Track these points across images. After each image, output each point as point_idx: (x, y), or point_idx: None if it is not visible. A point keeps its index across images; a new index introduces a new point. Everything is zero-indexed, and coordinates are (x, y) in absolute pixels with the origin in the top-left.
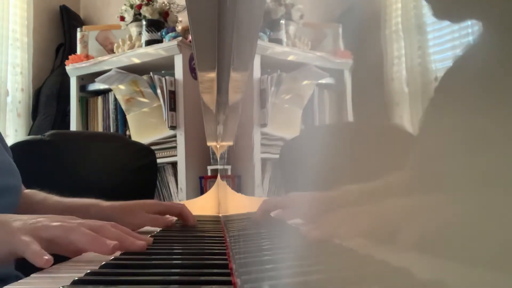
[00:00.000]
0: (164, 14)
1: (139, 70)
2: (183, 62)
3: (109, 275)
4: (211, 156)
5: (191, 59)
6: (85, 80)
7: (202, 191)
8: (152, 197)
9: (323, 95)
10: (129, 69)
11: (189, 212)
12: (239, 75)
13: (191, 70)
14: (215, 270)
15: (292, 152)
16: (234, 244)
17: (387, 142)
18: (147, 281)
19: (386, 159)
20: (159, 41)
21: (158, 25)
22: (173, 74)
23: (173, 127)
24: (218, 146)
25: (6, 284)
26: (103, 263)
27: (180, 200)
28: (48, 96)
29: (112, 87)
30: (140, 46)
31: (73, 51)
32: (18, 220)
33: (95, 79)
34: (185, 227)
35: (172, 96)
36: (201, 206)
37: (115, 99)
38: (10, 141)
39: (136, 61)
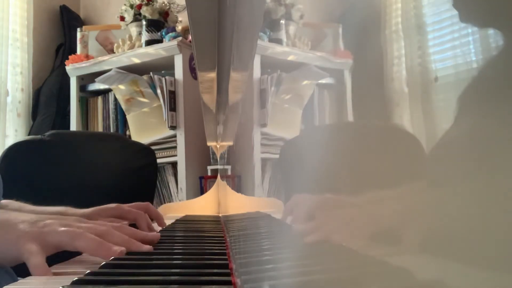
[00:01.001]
0: (164, 14)
1: (139, 70)
2: (183, 62)
3: (109, 275)
4: (211, 156)
5: (191, 59)
6: (85, 80)
7: (202, 191)
8: (152, 197)
9: (323, 95)
10: (129, 69)
11: (144, 223)
12: (239, 75)
13: (191, 70)
14: (215, 270)
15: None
16: (234, 244)
17: (387, 142)
18: (147, 281)
19: (386, 159)
20: (159, 41)
21: (158, 25)
22: (173, 74)
23: (173, 127)
24: (218, 146)
25: None
26: (103, 263)
27: (180, 200)
28: (48, 96)
29: (112, 87)
30: (140, 46)
31: (73, 51)
32: (25, 222)
33: (95, 79)
34: (185, 227)
35: (172, 96)
36: (201, 206)
37: (115, 99)
38: (10, 141)
39: (136, 61)
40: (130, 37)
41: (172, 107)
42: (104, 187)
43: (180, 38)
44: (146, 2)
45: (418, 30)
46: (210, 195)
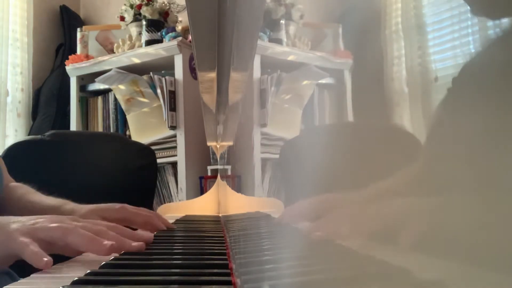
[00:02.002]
0: (164, 14)
1: (139, 70)
2: (183, 62)
3: (109, 275)
4: (211, 156)
5: (191, 59)
6: (85, 80)
7: (202, 191)
8: (152, 197)
9: (323, 95)
10: (129, 69)
11: (159, 221)
12: (239, 75)
13: (191, 70)
14: (215, 270)
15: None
16: (234, 244)
17: (387, 142)
18: (147, 281)
19: (386, 159)
20: (159, 41)
21: (158, 25)
22: (173, 74)
23: (173, 127)
24: (218, 146)
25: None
26: (103, 263)
27: (180, 200)
28: (48, 96)
29: (112, 87)
30: (140, 46)
31: (73, 51)
32: (16, 222)
33: (95, 79)
34: (185, 227)
35: (172, 96)
36: (201, 206)
37: (115, 99)
38: (10, 141)
39: (136, 61)
40: (130, 37)
41: (172, 107)
42: (104, 187)
43: (180, 38)
44: (146, 2)
45: (418, 30)
46: (210, 195)
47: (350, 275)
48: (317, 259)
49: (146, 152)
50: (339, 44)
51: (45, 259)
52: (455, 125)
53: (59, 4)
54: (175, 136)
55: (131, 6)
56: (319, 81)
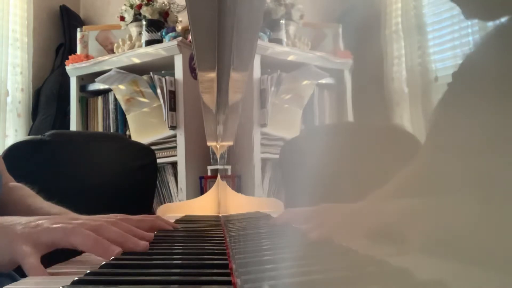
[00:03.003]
0: (164, 14)
1: (139, 70)
2: (183, 62)
3: (109, 275)
4: (211, 156)
5: (191, 59)
6: (85, 80)
7: (202, 191)
8: (152, 197)
9: (323, 95)
10: (129, 69)
11: (163, 222)
12: (239, 75)
13: (191, 70)
14: (215, 270)
15: (292, 152)
16: (234, 244)
17: (387, 142)
18: (147, 281)
19: (386, 159)
20: (159, 41)
21: (158, 25)
22: (173, 74)
23: (173, 127)
24: (218, 146)
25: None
26: (103, 263)
27: (180, 200)
28: (48, 96)
29: (112, 87)
30: (140, 46)
31: (73, 51)
32: (19, 224)
33: (95, 79)
34: (185, 227)
35: (172, 96)
36: (201, 206)
37: (115, 99)
38: (10, 141)
39: (136, 61)
40: (130, 37)
41: (172, 107)
42: (104, 187)
43: (180, 38)
44: (146, 2)
45: (418, 30)
46: (210, 195)
47: (350, 275)
48: (317, 259)
49: (146, 152)
50: (339, 44)
51: (41, 274)
52: (455, 125)
53: (59, 4)
54: (175, 136)
55: (131, 6)
56: (319, 81)
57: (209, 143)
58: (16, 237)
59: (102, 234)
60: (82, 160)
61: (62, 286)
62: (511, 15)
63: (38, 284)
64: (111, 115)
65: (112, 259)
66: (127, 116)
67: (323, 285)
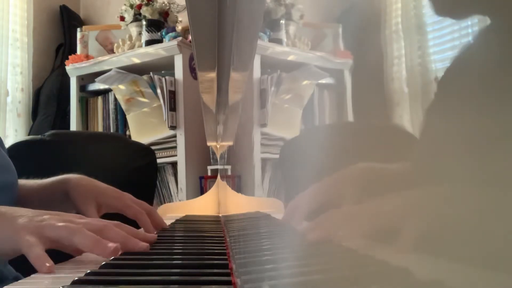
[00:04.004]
0: (164, 14)
1: (139, 70)
2: (183, 62)
3: (109, 275)
4: (211, 156)
5: (191, 59)
6: (85, 80)
7: (202, 191)
8: (152, 197)
9: (323, 95)
10: (129, 69)
11: (148, 221)
12: (239, 75)
13: (191, 70)
14: (215, 270)
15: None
16: (234, 244)
17: (387, 142)
18: (147, 281)
19: (386, 159)
20: (159, 41)
21: (158, 25)
22: (173, 74)
23: (173, 127)
24: (218, 146)
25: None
26: (103, 263)
27: (180, 200)
28: (48, 96)
29: (112, 87)
30: (140, 46)
31: (73, 51)
32: (24, 216)
33: (95, 79)
34: (185, 227)
35: (172, 96)
36: (201, 206)
37: (115, 99)
38: (10, 141)
39: (136, 61)
40: (130, 37)
41: (172, 107)
42: None
43: (180, 38)
44: (146, 2)
45: (418, 30)
46: (210, 195)
47: (350, 275)
48: (317, 259)
49: (146, 152)
50: (339, 44)
51: (48, 264)
52: (455, 125)
53: (59, 4)
54: (175, 136)
55: (131, 6)
56: (319, 81)
57: (209, 143)
58: (21, 228)
59: (105, 235)
60: (82, 160)
61: (62, 286)
62: (510, 15)
63: (38, 284)
64: (111, 115)
65: (112, 259)
66: (127, 116)
67: (323, 285)
